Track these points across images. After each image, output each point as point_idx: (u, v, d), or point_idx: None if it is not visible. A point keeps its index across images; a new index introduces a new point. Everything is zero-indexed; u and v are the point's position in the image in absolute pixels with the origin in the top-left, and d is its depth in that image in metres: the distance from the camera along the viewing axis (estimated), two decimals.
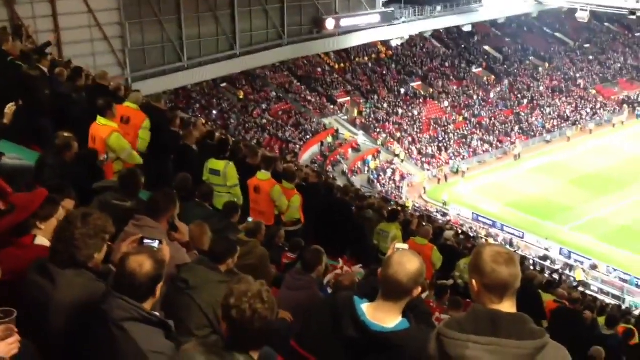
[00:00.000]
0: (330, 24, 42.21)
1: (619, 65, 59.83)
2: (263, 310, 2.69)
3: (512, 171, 43.41)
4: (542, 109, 51.75)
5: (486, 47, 57.71)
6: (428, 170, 42.98)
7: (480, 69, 54.87)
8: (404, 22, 46.66)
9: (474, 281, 2.56)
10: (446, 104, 49.44)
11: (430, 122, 47.05)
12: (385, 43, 50.50)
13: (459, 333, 2.42)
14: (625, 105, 54.26)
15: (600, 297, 25.63)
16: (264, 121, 41.23)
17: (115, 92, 10.60)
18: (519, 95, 52.70)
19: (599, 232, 34.85)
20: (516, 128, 49.07)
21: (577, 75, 56.79)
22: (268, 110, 42.54)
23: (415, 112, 47.72)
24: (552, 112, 51.68)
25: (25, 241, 3.74)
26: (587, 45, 61.37)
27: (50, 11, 28.73)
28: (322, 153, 40.96)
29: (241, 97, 42.59)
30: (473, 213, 37.51)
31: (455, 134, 46.82)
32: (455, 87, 51.57)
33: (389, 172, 41.29)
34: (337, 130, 43.01)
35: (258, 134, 39.53)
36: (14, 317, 2.72)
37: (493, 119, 49.47)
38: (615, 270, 31.10)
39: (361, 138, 43.75)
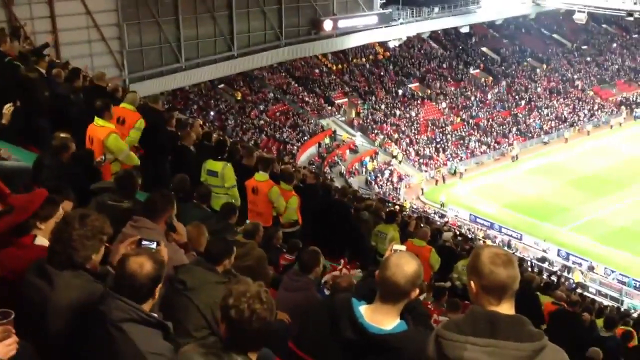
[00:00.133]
0: (327, 25, 42.23)
1: (617, 66, 59.89)
2: (262, 310, 2.69)
3: (509, 172, 43.40)
4: (540, 110, 51.79)
5: (484, 49, 57.75)
6: (426, 171, 42.97)
7: (478, 70, 54.92)
8: (401, 23, 46.63)
9: (472, 283, 2.56)
10: (444, 105, 49.46)
11: (427, 123, 47.05)
12: (383, 44, 50.54)
13: (457, 335, 2.42)
14: (622, 107, 54.33)
15: (598, 299, 25.58)
16: (262, 122, 41.21)
17: (112, 93, 10.62)
18: (517, 97, 52.74)
19: (597, 233, 34.84)
20: (514, 129, 49.09)
21: (575, 77, 56.84)
22: (265, 111, 42.51)
23: (413, 114, 47.75)
24: (549, 114, 51.74)
25: (25, 241, 3.75)
26: (584, 47, 61.44)
27: (48, 12, 28.76)
28: (320, 154, 40.95)
29: (239, 98, 42.55)
30: (471, 214, 37.49)
31: (453, 135, 46.83)
32: (452, 89, 51.58)
33: (387, 173, 41.28)
34: (334, 132, 42.98)
35: (255, 135, 39.50)
36: (12, 319, 2.72)
37: (491, 120, 49.50)
38: (613, 272, 31.09)
39: (359, 139, 43.71)
